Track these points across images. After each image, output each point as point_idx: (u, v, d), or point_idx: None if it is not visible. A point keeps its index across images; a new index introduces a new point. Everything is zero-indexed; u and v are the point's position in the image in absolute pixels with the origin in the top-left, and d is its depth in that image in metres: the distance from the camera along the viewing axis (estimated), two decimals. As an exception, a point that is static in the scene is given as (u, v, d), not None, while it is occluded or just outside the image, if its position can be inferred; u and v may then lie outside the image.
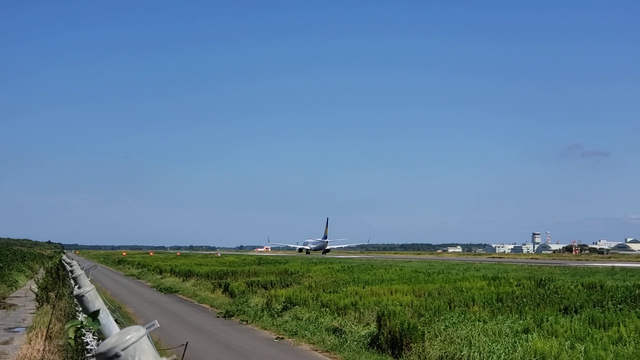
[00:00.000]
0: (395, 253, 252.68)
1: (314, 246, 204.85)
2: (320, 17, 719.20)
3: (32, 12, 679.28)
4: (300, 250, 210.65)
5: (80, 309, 5.11)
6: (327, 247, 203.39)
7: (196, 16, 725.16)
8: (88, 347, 3.52)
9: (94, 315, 3.67)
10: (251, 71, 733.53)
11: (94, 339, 3.44)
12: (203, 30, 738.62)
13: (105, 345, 2.12)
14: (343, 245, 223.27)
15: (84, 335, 3.35)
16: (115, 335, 2.14)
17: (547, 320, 24.70)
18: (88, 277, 7.69)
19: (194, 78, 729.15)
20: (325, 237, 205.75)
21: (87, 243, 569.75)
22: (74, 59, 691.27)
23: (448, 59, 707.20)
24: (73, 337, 3.86)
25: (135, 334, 2.16)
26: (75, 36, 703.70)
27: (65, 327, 3.63)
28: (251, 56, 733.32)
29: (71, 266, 15.47)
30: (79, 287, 6.54)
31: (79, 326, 3.45)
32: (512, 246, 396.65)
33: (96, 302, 4.42)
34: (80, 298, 4.52)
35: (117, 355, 2.11)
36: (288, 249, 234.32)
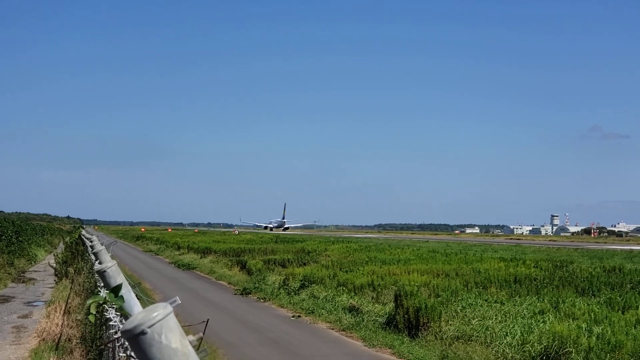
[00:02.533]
0: (413, 233, 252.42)
1: (276, 225, 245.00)
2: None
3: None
4: (265, 227, 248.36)
5: (102, 284, 5.12)
6: (286, 226, 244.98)
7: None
8: (110, 322, 3.51)
9: (115, 291, 3.67)
10: (274, 51, 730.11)
11: (116, 315, 3.44)
12: (229, 9, 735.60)
13: (131, 322, 2.11)
14: (299, 224, 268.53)
15: (106, 311, 3.34)
16: (142, 312, 2.13)
17: (565, 303, 24.64)
18: (108, 253, 7.71)
19: (214, 56, 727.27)
20: (284, 218, 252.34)
21: (106, 219, 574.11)
22: (93, 34, 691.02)
23: (468, 44, 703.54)
24: (94, 313, 3.86)
25: (162, 311, 2.15)
26: (99, 13, 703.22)
27: (87, 302, 3.59)
28: (274, 36, 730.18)
29: (91, 241, 15.50)
30: (99, 263, 6.58)
31: (101, 302, 3.45)
32: (530, 228, 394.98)
33: (118, 277, 4.42)
34: (102, 273, 4.52)
35: (143, 333, 2.11)
36: (256, 227, 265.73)
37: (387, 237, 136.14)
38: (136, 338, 2.14)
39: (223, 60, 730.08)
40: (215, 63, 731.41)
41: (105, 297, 3.45)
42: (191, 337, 2.44)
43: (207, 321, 3.00)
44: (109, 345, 7.54)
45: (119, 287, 3.66)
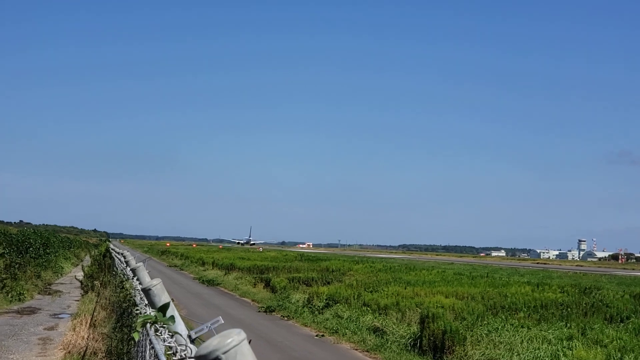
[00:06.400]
0: (437, 255, 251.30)
1: (244, 242, 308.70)
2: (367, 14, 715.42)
3: None
4: (238, 243, 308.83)
5: (146, 302, 5.12)
6: (252, 243, 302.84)
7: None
8: (166, 343, 3.49)
9: (163, 310, 3.68)
10: (301, 61, 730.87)
11: (169, 335, 3.44)
12: (246, 14, 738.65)
13: (206, 348, 2.12)
14: (261, 241, 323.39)
15: (157, 330, 3.33)
16: (217, 337, 2.14)
17: (593, 329, 24.36)
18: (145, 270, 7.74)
19: (241, 70, 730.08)
20: (250, 237, 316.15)
21: (132, 233, 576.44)
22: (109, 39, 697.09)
23: (494, 68, 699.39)
24: (139, 330, 3.86)
25: (237, 337, 2.17)
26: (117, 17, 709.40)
27: (137, 320, 3.58)
28: (297, 45, 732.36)
29: (125, 257, 15.54)
30: (137, 279, 6.60)
31: (151, 321, 3.46)
32: (557, 252, 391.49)
33: (162, 296, 4.42)
34: (147, 292, 4.52)
35: (217, 359, 2.11)
36: (230, 242, 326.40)
37: (412, 258, 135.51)
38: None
39: (250, 74, 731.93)
40: (243, 77, 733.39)
41: (155, 316, 3.46)
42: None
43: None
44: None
45: (166, 306, 3.66)
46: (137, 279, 7.57)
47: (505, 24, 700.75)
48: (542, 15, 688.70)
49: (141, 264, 8.42)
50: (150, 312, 4.56)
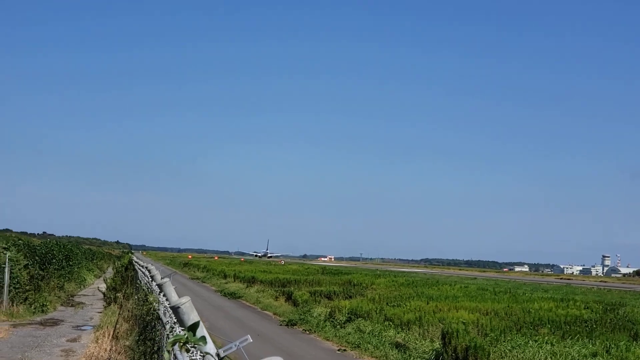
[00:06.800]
0: (460, 269, 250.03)
1: (261, 254, 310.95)
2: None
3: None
4: (256, 256, 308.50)
5: (174, 319, 5.10)
6: (269, 255, 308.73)
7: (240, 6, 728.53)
8: None
9: (194, 329, 3.66)
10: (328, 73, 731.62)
11: (201, 356, 3.40)
12: (262, 20, 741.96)
13: None
14: (279, 254, 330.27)
15: (188, 350, 3.30)
16: None
17: (618, 347, 24.08)
18: (172, 286, 7.71)
19: (265, 83, 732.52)
20: (267, 249, 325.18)
21: (154, 244, 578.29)
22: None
23: (518, 82, 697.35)
24: (170, 350, 3.83)
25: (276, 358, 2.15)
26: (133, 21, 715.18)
27: (168, 340, 3.57)
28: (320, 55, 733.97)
29: (150, 271, 15.50)
30: (164, 295, 6.58)
31: (182, 341, 3.43)
32: (580, 268, 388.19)
33: (192, 314, 4.39)
34: (176, 309, 4.49)
35: None
36: (249, 255, 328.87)
37: (434, 273, 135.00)
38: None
39: (271, 83, 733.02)
40: (264, 85, 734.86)
41: (186, 336, 3.44)
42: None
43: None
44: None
45: (196, 325, 3.64)
46: (164, 295, 7.54)
47: (533, 38, 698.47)
48: (569, 28, 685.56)
49: (167, 279, 8.40)
50: (179, 330, 4.55)
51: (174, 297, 5.32)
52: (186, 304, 4.39)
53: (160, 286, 8.04)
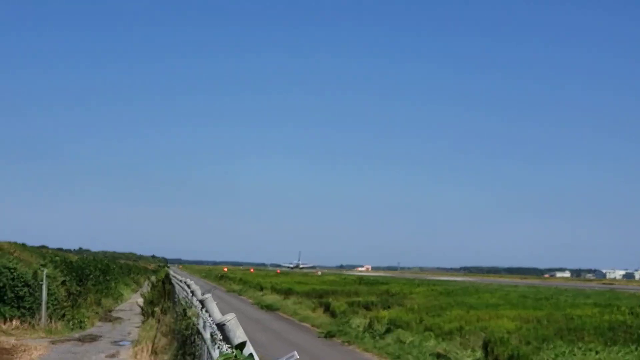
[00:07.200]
0: (500, 277, 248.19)
1: (293, 266, 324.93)
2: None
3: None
4: (288, 267, 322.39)
5: (220, 336, 4.91)
6: (301, 266, 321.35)
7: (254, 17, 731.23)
8: None
9: (241, 347, 3.45)
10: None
11: None
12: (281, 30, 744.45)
13: None
14: (308, 264, 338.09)
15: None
16: None
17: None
18: (214, 302, 7.54)
19: (294, 94, 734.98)
20: (299, 260, 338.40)
21: (190, 258, 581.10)
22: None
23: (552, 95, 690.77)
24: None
25: None
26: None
27: (217, 359, 3.42)
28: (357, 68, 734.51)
29: (189, 286, 15.41)
30: (206, 311, 6.40)
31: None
32: (623, 272, 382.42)
33: (237, 331, 4.21)
34: (221, 327, 4.31)
35: None
36: (281, 266, 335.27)
37: (474, 281, 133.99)
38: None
39: (300, 93, 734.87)
40: (295, 96, 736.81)
41: (235, 355, 3.23)
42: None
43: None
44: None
45: (244, 344, 3.45)
46: (206, 310, 7.35)
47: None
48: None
49: (209, 295, 8.21)
50: (226, 348, 4.35)
51: (217, 313, 5.13)
52: (231, 320, 4.22)
53: (202, 302, 7.85)
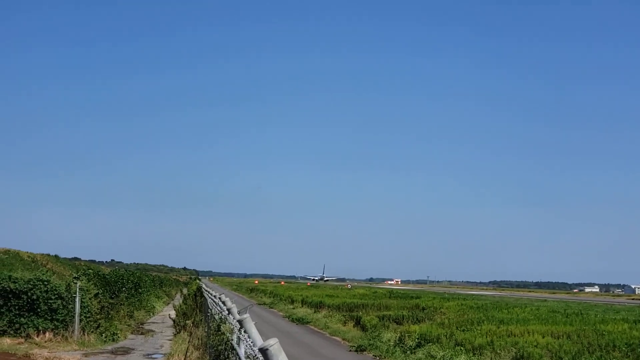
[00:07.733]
0: (530, 291, 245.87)
1: (317, 278, 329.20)
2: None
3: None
4: (314, 279, 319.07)
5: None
6: (325, 279, 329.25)
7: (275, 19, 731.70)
8: None
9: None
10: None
11: None
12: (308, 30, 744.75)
13: None
14: (333, 277, 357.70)
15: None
16: None
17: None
18: (253, 322, 7.72)
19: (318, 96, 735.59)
20: (323, 274, 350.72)
21: (221, 270, 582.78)
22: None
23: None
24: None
25: None
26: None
27: None
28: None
29: (224, 303, 15.53)
30: (245, 332, 6.60)
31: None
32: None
33: (280, 356, 4.40)
34: (264, 352, 4.52)
35: None
36: (306, 279, 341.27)
37: (503, 295, 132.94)
38: None
39: (332, 101, 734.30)
40: (324, 106, 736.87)
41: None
42: None
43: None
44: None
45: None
46: (245, 331, 7.55)
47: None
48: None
49: (247, 316, 8.41)
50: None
51: (256, 335, 5.32)
52: (274, 345, 4.37)
53: (240, 322, 8.07)
